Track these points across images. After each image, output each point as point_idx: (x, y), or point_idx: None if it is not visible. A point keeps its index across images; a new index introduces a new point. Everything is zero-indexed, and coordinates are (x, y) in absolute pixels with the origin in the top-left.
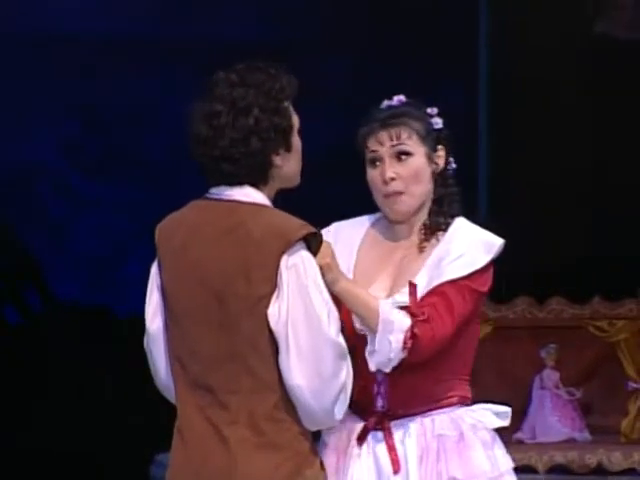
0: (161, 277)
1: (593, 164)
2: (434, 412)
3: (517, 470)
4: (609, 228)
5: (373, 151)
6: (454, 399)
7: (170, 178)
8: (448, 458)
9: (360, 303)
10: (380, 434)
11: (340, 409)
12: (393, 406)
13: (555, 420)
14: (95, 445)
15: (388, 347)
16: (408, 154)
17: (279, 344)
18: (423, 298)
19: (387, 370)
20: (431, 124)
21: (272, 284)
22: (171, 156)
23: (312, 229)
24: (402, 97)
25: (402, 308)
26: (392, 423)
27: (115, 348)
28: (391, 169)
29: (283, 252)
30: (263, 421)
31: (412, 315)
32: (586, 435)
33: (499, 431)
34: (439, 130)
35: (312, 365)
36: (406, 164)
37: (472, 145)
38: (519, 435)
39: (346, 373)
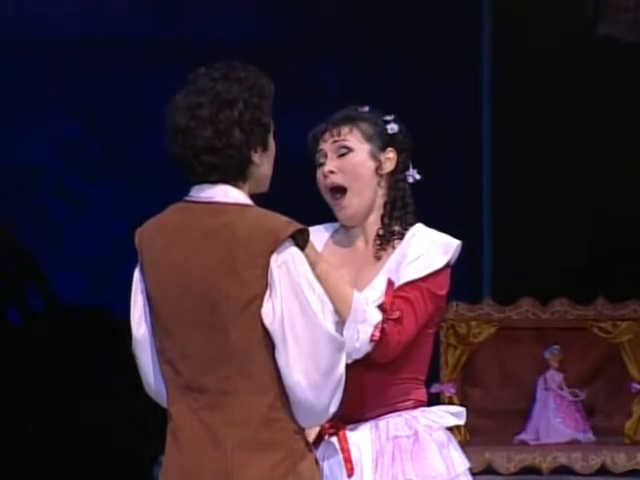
0: (145, 282)
1: (596, 165)
2: (389, 415)
3: (521, 471)
4: (612, 229)
5: (320, 150)
6: (409, 402)
7: (170, 180)
8: (403, 460)
9: (335, 289)
10: (334, 439)
11: (335, 404)
12: (348, 411)
13: (559, 421)
14: (97, 445)
15: (356, 336)
16: (348, 149)
17: (276, 343)
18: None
19: (349, 361)
20: (384, 128)
21: (263, 284)
22: (171, 158)
23: (299, 226)
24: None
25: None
26: (347, 427)
27: (116, 348)
28: (331, 163)
29: (272, 251)
30: (258, 422)
31: (384, 311)
32: (590, 436)
33: (504, 432)
34: (392, 134)
35: (311, 360)
36: (346, 159)
37: (475, 148)
38: (523, 436)
39: (342, 366)
